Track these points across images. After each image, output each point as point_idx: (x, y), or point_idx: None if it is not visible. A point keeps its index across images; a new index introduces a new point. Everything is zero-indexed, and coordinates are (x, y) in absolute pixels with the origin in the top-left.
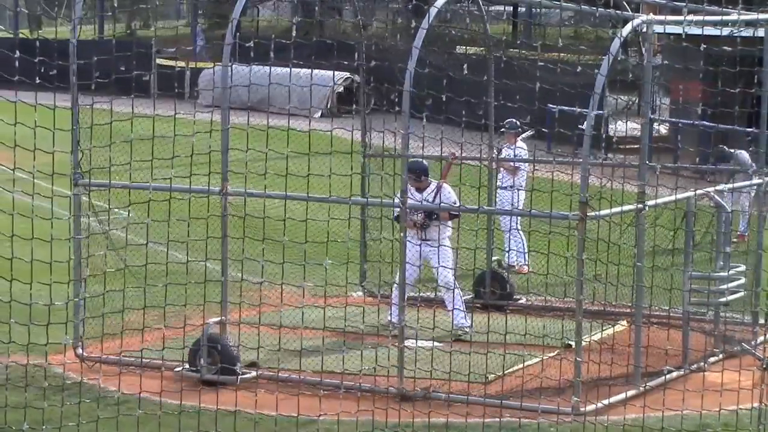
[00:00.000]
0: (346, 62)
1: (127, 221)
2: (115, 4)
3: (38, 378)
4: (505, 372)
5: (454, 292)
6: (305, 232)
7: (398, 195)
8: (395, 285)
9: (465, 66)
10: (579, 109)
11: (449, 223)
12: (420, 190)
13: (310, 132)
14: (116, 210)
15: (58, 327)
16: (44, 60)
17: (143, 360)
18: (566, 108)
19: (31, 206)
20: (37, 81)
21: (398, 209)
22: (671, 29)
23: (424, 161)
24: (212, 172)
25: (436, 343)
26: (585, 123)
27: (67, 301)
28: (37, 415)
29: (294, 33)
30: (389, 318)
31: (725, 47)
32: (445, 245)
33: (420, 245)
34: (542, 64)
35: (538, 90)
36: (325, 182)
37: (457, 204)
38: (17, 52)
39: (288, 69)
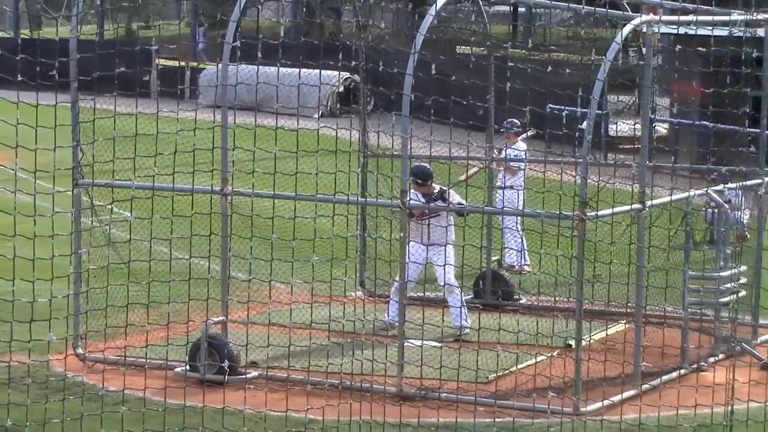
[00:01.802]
0: (337, 62)
1: (110, 219)
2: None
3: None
4: (505, 372)
5: (456, 292)
6: (293, 230)
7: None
8: (394, 284)
9: (433, 66)
10: (578, 109)
11: (452, 221)
12: (425, 195)
13: (298, 132)
14: (109, 208)
15: (42, 324)
16: (27, 57)
17: (126, 358)
18: (567, 108)
19: (13, 203)
20: (19, 78)
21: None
22: (670, 30)
23: (428, 166)
24: (196, 171)
25: (435, 343)
26: (585, 123)
27: (50, 299)
28: (21, 413)
29: (282, 34)
30: (388, 318)
31: (723, 47)
32: (448, 245)
33: (420, 244)
34: (532, 66)
35: (537, 90)
36: (328, 182)
37: (463, 203)
38: None
39: (290, 69)
